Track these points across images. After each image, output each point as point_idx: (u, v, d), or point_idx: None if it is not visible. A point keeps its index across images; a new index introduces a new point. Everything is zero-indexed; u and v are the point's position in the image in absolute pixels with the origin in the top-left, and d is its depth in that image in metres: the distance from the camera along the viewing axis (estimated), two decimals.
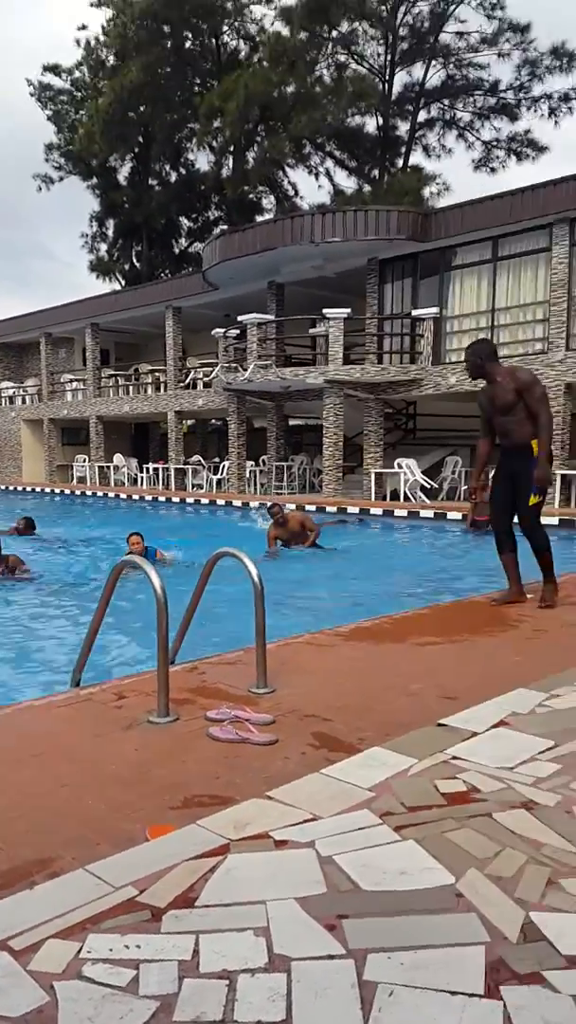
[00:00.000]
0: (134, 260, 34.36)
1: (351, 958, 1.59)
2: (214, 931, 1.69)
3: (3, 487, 25.22)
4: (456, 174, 39.39)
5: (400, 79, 28.93)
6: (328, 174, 31.20)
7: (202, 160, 32.50)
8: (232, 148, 29.77)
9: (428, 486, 15.90)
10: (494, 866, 1.94)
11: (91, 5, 29.22)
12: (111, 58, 30.13)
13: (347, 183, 31.13)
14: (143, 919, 1.74)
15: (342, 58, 28.31)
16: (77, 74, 31.75)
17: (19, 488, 24.51)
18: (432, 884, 1.87)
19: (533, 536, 5.08)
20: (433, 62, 28.28)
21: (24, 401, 28.15)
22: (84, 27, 30.55)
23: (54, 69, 31.66)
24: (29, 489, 24.00)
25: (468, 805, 2.27)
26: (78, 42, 30.64)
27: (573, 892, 1.83)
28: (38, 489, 23.72)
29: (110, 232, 34.14)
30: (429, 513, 13.63)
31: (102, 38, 29.89)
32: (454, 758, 2.60)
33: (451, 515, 13.04)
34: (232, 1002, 1.47)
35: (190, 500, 18.17)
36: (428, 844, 2.04)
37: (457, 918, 1.74)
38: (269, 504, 10.57)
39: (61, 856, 2.02)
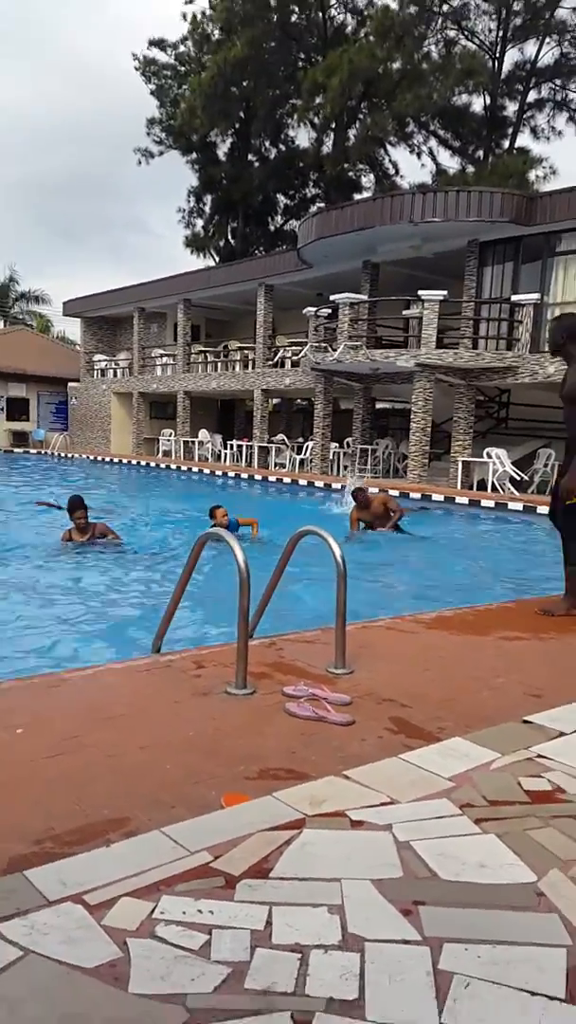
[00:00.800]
0: (229, 236, 34.54)
1: (426, 945, 1.55)
2: (288, 904, 1.68)
3: (92, 457, 25.88)
4: (564, 157, 37.87)
5: (511, 57, 28.08)
6: (431, 153, 30.64)
7: (302, 137, 32.38)
8: (333, 125, 29.49)
9: (518, 478, 15.50)
10: None
11: None
12: (216, 32, 30.19)
13: (450, 163, 30.48)
14: (217, 885, 1.75)
15: (452, 33, 27.64)
16: (182, 48, 31.95)
17: (107, 459, 25.12)
18: (512, 880, 1.81)
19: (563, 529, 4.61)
20: (547, 39, 27.23)
21: (115, 374, 28.75)
22: (191, 1, 30.70)
23: (159, 44, 31.94)
24: (116, 461, 24.56)
25: (553, 805, 2.19)
26: (184, 16, 30.83)
27: None
28: (124, 461, 24.25)
29: (207, 208, 34.40)
30: (518, 506, 13.28)
31: (208, 12, 29.94)
32: (539, 756, 2.51)
33: (540, 509, 12.66)
34: (304, 976, 1.45)
35: (272, 479, 18.24)
36: (509, 840, 1.98)
37: (538, 917, 1.68)
38: (354, 487, 10.51)
39: (137, 816, 2.04)
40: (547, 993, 1.44)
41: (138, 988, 1.41)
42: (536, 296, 15.78)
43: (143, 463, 23.43)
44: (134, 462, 23.86)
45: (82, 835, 1.94)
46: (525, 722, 2.83)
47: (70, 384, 30.84)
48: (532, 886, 1.79)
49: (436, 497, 14.46)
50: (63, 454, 27.60)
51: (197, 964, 1.48)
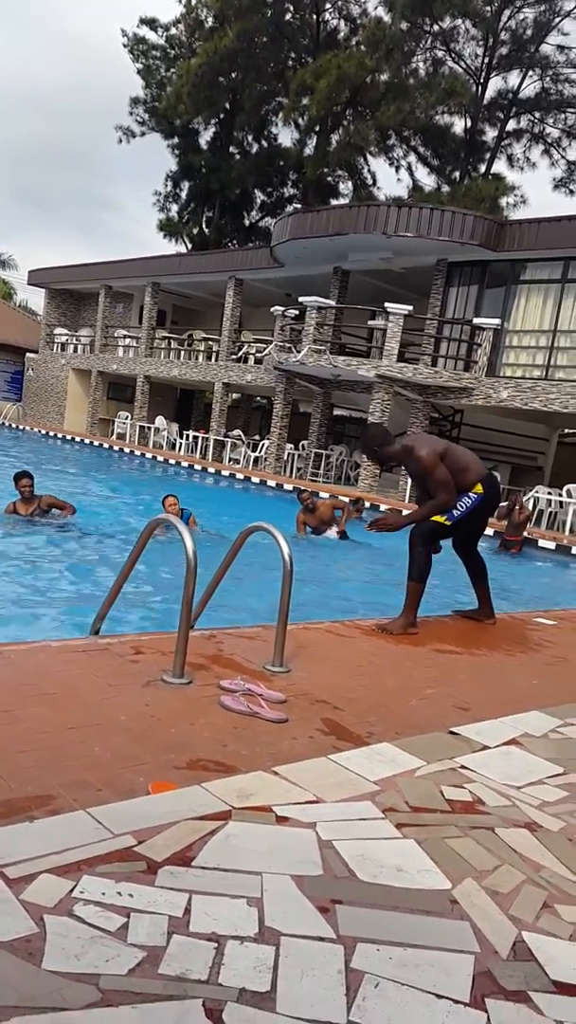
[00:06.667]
0: (203, 226, 34.29)
1: (340, 944, 1.58)
2: (208, 893, 1.69)
3: (43, 432, 25.41)
4: (535, 189, 38.69)
5: (494, 84, 28.48)
6: (409, 168, 30.86)
7: (285, 136, 32.37)
8: (317, 128, 29.51)
9: None
10: (492, 880, 1.92)
11: None
12: (210, 20, 29.90)
13: (426, 180, 30.77)
14: (138, 869, 1.75)
15: (439, 54, 27.89)
16: (173, 31, 31.54)
17: (58, 435, 24.69)
18: (428, 886, 1.85)
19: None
20: (530, 72, 27.76)
21: (75, 350, 28.30)
22: None
23: (151, 23, 31.48)
24: (68, 438, 24.17)
25: (472, 815, 2.25)
26: None
27: (568, 919, 1.81)
28: (77, 439, 23.87)
29: (183, 194, 34.06)
30: None
31: None
32: (462, 767, 2.58)
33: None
34: (218, 965, 1.47)
35: (225, 473, 18.19)
36: (428, 846, 2.02)
37: (450, 924, 1.72)
38: (300, 490, 10.57)
39: (63, 796, 2.03)
40: (453, 997, 1.48)
41: (51, 965, 1.41)
42: (497, 321, 16.09)
43: (96, 443, 23.10)
44: (87, 441, 23.51)
45: (5, 809, 1.92)
46: (452, 733, 2.89)
47: (28, 355, 30.23)
48: (446, 893, 1.84)
49: (384, 507, 14.60)
50: (13, 425, 27.02)
51: (113, 946, 1.48)
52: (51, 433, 25.07)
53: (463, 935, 1.69)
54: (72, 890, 1.64)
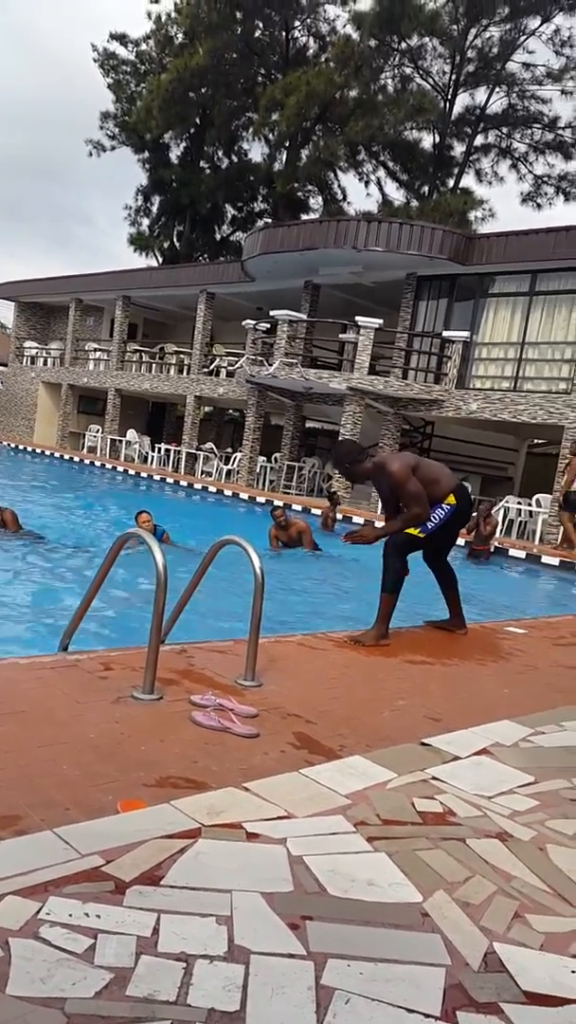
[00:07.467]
0: (174, 240, 34.35)
1: (311, 960, 1.57)
2: (176, 912, 1.67)
3: (12, 445, 25.16)
4: (503, 203, 39.38)
5: (462, 100, 28.97)
6: (378, 183, 31.24)
7: (255, 151, 32.53)
8: (287, 143, 29.77)
9: None
10: (463, 891, 1.92)
11: None
12: (180, 36, 30.06)
13: (396, 195, 31.15)
14: (106, 890, 1.73)
15: (408, 71, 28.30)
16: (144, 47, 31.65)
17: (28, 449, 24.46)
18: (399, 899, 1.85)
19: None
20: (497, 89, 28.26)
21: (45, 363, 28.11)
22: (156, 1, 30.48)
23: (121, 38, 31.58)
24: (39, 451, 23.95)
25: (443, 827, 2.25)
26: (149, 15, 30.57)
27: (539, 929, 1.81)
28: (47, 453, 23.67)
29: (154, 208, 34.12)
30: None
31: (174, 15, 29.83)
32: (434, 778, 2.58)
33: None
34: (187, 985, 1.45)
35: (198, 486, 18.14)
36: (399, 859, 2.02)
37: (421, 937, 1.72)
38: (273, 506, 10.57)
39: (30, 816, 2.00)
40: (424, 1011, 1.48)
41: (16, 990, 1.38)
42: (466, 334, 16.27)
43: (67, 457, 22.93)
44: (57, 455, 23.32)
45: None
46: (423, 744, 2.90)
47: None
48: (417, 906, 1.83)
49: (356, 519, 14.64)
50: None
51: (79, 968, 1.46)
52: (20, 447, 24.84)
53: (434, 948, 1.68)
54: (38, 912, 1.61)
